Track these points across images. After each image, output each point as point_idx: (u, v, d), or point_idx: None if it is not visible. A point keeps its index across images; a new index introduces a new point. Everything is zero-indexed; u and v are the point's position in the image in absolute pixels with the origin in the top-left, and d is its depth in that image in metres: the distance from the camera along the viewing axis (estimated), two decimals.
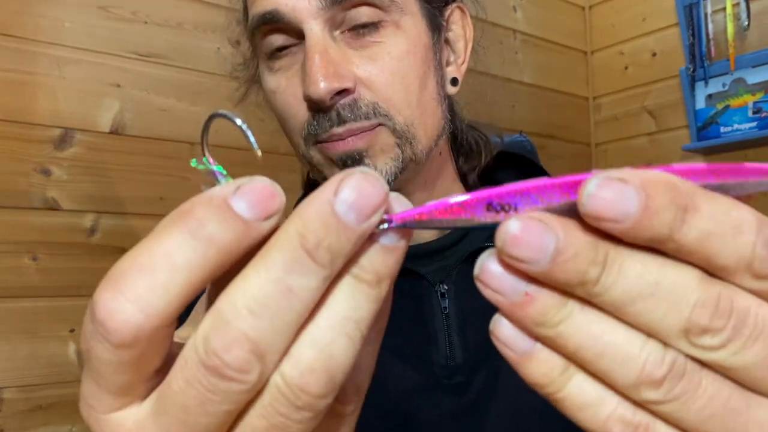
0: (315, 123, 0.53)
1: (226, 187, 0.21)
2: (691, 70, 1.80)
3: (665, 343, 0.20)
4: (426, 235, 0.61)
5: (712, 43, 1.76)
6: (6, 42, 1.15)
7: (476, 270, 0.21)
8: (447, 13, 0.60)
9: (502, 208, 0.21)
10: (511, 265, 0.20)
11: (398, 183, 0.55)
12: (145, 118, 1.29)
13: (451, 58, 0.61)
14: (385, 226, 0.21)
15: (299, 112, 0.54)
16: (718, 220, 0.20)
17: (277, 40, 0.55)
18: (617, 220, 0.19)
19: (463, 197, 0.22)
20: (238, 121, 0.22)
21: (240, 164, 1.40)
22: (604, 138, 2.08)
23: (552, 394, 0.22)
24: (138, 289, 0.19)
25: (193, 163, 0.23)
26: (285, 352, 0.20)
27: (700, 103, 1.80)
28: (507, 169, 0.67)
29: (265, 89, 0.59)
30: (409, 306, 0.57)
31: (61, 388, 1.16)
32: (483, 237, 0.61)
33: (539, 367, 0.21)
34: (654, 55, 1.94)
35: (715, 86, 1.77)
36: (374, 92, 0.53)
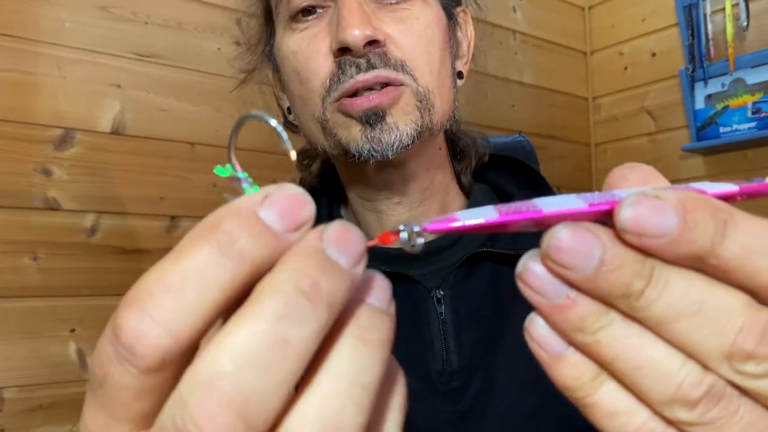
0: (340, 72, 0.54)
1: (253, 196, 0.19)
2: (691, 70, 1.80)
3: (705, 366, 0.20)
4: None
5: (711, 43, 1.77)
6: (6, 42, 1.15)
7: (519, 268, 0.21)
8: (457, 11, 0.63)
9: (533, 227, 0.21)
10: (553, 270, 0.20)
11: (407, 154, 0.55)
12: (145, 119, 1.29)
13: (458, 56, 0.63)
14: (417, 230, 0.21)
15: (322, 67, 0.55)
16: (760, 237, 0.19)
17: (307, 7, 0.56)
18: (658, 235, 0.19)
19: (494, 218, 0.21)
20: (273, 122, 0.21)
21: (240, 164, 1.40)
22: (604, 138, 2.08)
23: (581, 398, 0.21)
24: (166, 309, 0.18)
25: (218, 170, 0.21)
26: (276, 419, 0.18)
27: (700, 104, 1.80)
28: (500, 171, 0.68)
29: (282, 54, 0.59)
30: (405, 311, 0.57)
31: (62, 388, 1.16)
32: (479, 241, 0.61)
33: (570, 370, 0.21)
34: (653, 55, 1.95)
35: (714, 86, 1.77)
36: (402, 51, 0.54)
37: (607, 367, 0.21)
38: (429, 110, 0.55)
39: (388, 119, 0.53)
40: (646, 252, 0.20)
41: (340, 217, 0.65)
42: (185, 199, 1.33)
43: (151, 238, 1.28)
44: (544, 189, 0.63)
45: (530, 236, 0.59)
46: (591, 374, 0.21)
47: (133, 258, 1.25)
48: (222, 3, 1.39)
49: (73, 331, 1.18)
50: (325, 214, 0.66)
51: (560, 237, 0.20)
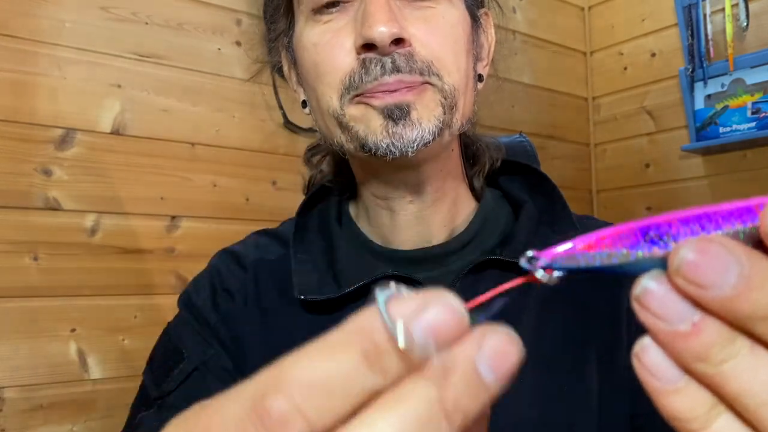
0: (362, 71, 0.52)
1: (407, 310, 0.18)
2: (690, 70, 1.80)
3: None
4: (430, 238, 0.60)
5: (711, 43, 1.77)
6: (7, 42, 1.16)
7: (637, 290, 0.19)
8: (480, 14, 0.62)
9: (660, 239, 0.20)
10: (683, 290, 0.18)
11: (426, 153, 0.54)
12: (145, 119, 1.29)
13: (480, 58, 0.63)
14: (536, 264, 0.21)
15: (343, 63, 0.53)
16: None
17: (330, 1, 0.55)
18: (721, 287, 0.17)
19: (617, 227, 0.20)
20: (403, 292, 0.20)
21: (240, 164, 1.40)
22: (603, 138, 2.08)
23: (693, 430, 0.20)
24: (313, 407, 0.18)
25: (379, 296, 0.20)
26: None
27: (699, 104, 1.80)
28: (510, 176, 0.67)
29: (303, 46, 0.57)
30: None
31: (62, 388, 1.16)
32: (489, 246, 0.60)
33: (685, 401, 0.19)
34: (653, 55, 1.95)
35: (714, 87, 1.77)
36: (429, 50, 0.53)
37: (727, 400, 0.19)
38: (452, 108, 0.54)
39: (413, 114, 0.52)
40: None
41: (348, 214, 0.64)
42: (185, 199, 1.33)
43: (152, 238, 1.28)
44: (555, 196, 0.63)
45: (540, 245, 0.58)
46: (707, 405, 0.19)
47: (134, 258, 1.25)
48: (222, 3, 1.39)
49: (73, 330, 1.18)
50: (334, 211, 0.66)
51: (692, 252, 0.18)
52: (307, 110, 0.62)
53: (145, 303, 1.24)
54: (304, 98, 0.62)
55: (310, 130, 1.44)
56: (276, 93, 1.43)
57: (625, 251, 0.21)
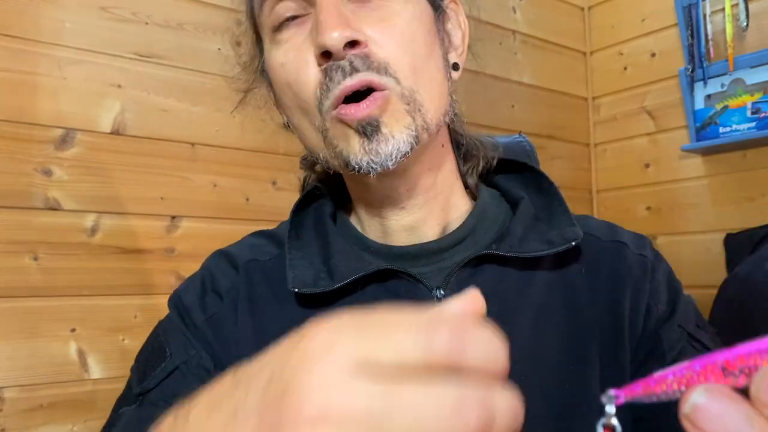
0: (327, 80, 0.53)
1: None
2: (690, 70, 1.80)
3: None
4: (426, 235, 0.61)
5: (711, 43, 1.77)
6: (7, 42, 1.16)
7: (686, 408, 0.21)
8: (446, 2, 0.61)
9: (741, 371, 0.21)
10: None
11: (409, 161, 0.54)
12: (145, 119, 1.29)
13: (451, 48, 0.62)
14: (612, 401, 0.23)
15: (310, 77, 0.54)
16: None
17: (287, 9, 0.55)
18: None
19: (696, 364, 0.22)
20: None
21: (240, 164, 1.40)
22: (603, 138, 2.08)
23: None
24: None
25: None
26: None
27: (699, 104, 1.80)
28: (507, 174, 0.67)
29: (272, 67, 0.58)
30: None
31: (62, 388, 1.16)
32: (485, 242, 0.60)
33: None
34: (653, 55, 1.95)
35: (713, 87, 1.77)
36: (385, 51, 0.53)
37: None
38: (419, 111, 0.54)
39: (383, 129, 0.52)
40: None
41: (343, 219, 0.65)
42: (185, 199, 1.33)
43: (152, 238, 1.28)
44: (552, 193, 0.63)
45: (538, 239, 0.58)
46: None
47: (134, 258, 1.25)
48: (222, 3, 1.39)
49: (73, 330, 1.18)
50: (329, 209, 0.66)
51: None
52: (291, 129, 0.63)
53: (145, 303, 1.25)
54: (285, 120, 0.63)
55: None
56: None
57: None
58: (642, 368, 0.56)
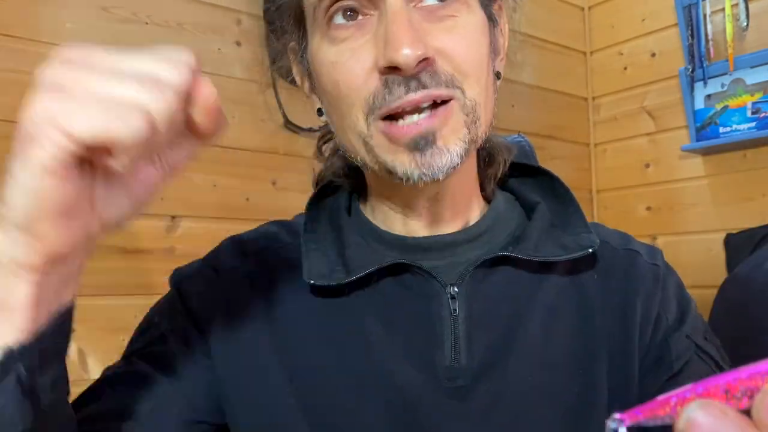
0: (386, 91, 0.51)
1: None
2: (690, 70, 1.80)
3: None
4: (441, 229, 0.60)
5: (711, 43, 1.77)
6: (7, 42, 1.16)
7: (681, 424, 0.22)
8: (494, 9, 0.61)
9: (744, 394, 0.22)
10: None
11: (453, 171, 0.53)
12: None
13: (496, 56, 0.62)
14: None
15: (366, 83, 0.52)
16: None
17: (346, 3, 0.53)
18: None
19: (700, 387, 0.23)
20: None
21: (239, 164, 1.40)
22: (603, 138, 2.08)
23: None
24: None
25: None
26: None
27: (699, 104, 1.81)
28: (520, 178, 0.67)
29: (320, 62, 0.56)
30: (418, 305, 0.57)
31: None
32: (499, 243, 0.60)
33: None
34: (653, 55, 1.95)
35: (714, 87, 1.77)
36: (451, 64, 0.52)
37: None
38: (475, 123, 0.54)
39: (439, 143, 0.52)
40: None
41: (358, 211, 0.64)
42: (185, 198, 1.33)
43: (152, 237, 1.28)
44: (568, 199, 0.63)
45: (552, 245, 0.59)
46: None
47: (134, 258, 1.25)
48: (222, 3, 1.39)
49: (73, 330, 1.18)
50: (344, 203, 0.65)
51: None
52: (323, 118, 0.61)
53: (146, 303, 1.23)
54: (320, 106, 0.61)
55: (310, 130, 1.44)
56: (276, 93, 1.43)
57: None
58: (649, 375, 0.56)
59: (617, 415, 0.26)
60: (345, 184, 0.66)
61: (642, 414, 0.25)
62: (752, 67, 1.70)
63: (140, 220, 1.27)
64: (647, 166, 1.96)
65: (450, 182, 0.57)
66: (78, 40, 1.21)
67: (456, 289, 0.56)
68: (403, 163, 0.52)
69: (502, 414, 0.54)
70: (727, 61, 1.73)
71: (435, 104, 0.52)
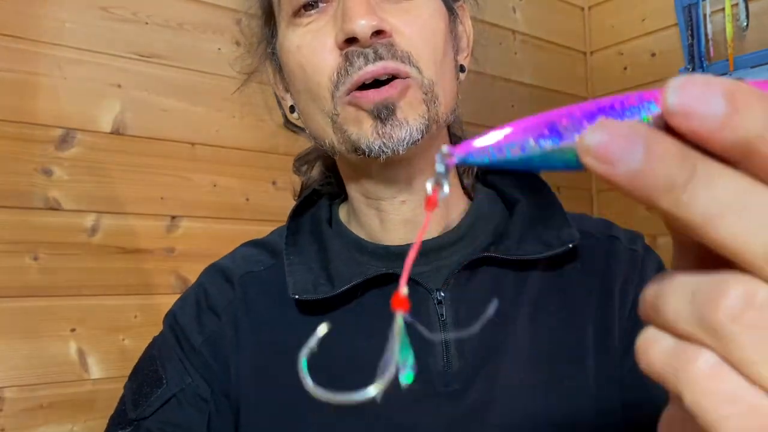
0: (347, 64, 0.53)
1: None
2: (690, 70, 1.80)
3: (747, 270, 0.19)
4: (426, 233, 0.61)
5: (711, 43, 1.77)
6: (7, 42, 1.16)
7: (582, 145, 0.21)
8: (457, 6, 0.63)
9: (566, 129, 0.21)
10: (593, 168, 0.20)
11: (415, 149, 0.55)
12: (145, 119, 1.29)
13: (458, 50, 0.63)
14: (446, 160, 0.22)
15: (327, 61, 0.55)
16: None
17: (308, 2, 0.56)
18: (706, 116, 0.18)
19: (525, 120, 0.22)
20: None
21: (240, 164, 1.40)
22: None
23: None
24: None
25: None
26: None
27: None
28: (501, 174, 0.67)
29: (286, 50, 0.58)
30: (406, 314, 0.57)
31: (62, 388, 1.16)
32: (482, 242, 0.60)
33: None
34: (653, 55, 1.95)
35: None
36: (408, 42, 0.54)
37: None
38: (434, 102, 0.55)
39: (398, 114, 0.53)
40: (690, 144, 0.19)
41: (338, 216, 0.65)
42: (185, 199, 1.33)
43: (152, 238, 1.28)
44: (547, 194, 0.63)
45: (535, 242, 0.59)
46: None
47: (134, 258, 1.25)
48: (222, 3, 1.39)
49: (73, 330, 1.18)
50: (325, 214, 0.66)
51: (598, 135, 0.20)
52: (295, 115, 0.63)
53: (145, 303, 1.24)
54: (292, 103, 0.63)
55: None
56: (276, 93, 1.43)
57: (532, 143, 0.21)
58: (626, 356, 0.57)
59: (446, 148, 0.23)
60: (325, 190, 0.67)
61: (476, 146, 0.22)
62: (752, 67, 1.70)
63: (140, 220, 1.27)
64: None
65: (419, 167, 0.58)
66: (77, 39, 1.22)
67: (442, 294, 0.57)
68: (366, 134, 0.54)
69: (497, 414, 0.54)
70: (727, 61, 1.73)
71: (393, 78, 0.54)
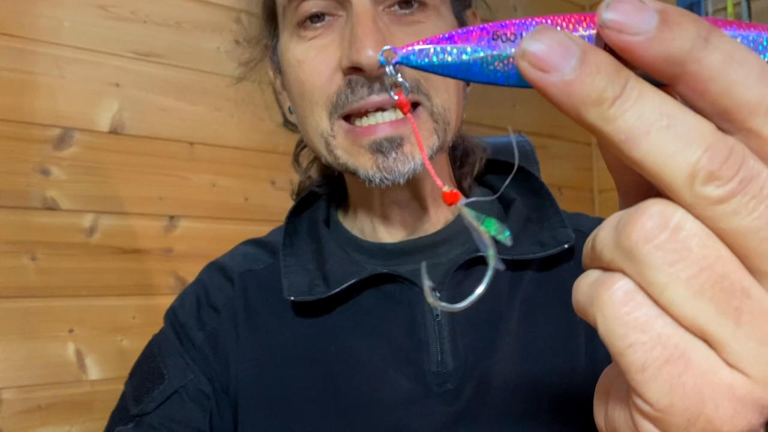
0: (349, 91, 0.52)
1: None
2: None
3: (667, 189, 0.19)
4: (422, 230, 0.60)
5: None
6: (5, 41, 1.15)
7: (519, 52, 0.21)
8: (467, 15, 0.62)
9: (508, 39, 0.22)
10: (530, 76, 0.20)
11: (414, 176, 0.54)
12: (144, 118, 1.29)
13: None
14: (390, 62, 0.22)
15: (329, 82, 0.53)
16: (741, 49, 0.19)
17: (315, 6, 0.53)
18: (638, 31, 0.19)
19: (469, 28, 0.22)
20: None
21: (239, 164, 1.40)
22: None
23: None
24: None
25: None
26: None
27: None
28: (499, 175, 0.67)
29: (287, 60, 0.57)
30: (401, 313, 0.57)
31: (60, 389, 1.15)
32: (476, 245, 0.60)
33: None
34: None
35: None
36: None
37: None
38: (445, 129, 0.54)
39: (406, 148, 0.51)
40: (623, 61, 0.20)
41: (335, 216, 0.65)
42: (184, 198, 1.32)
43: (150, 238, 1.27)
44: (544, 194, 0.63)
45: (529, 242, 0.60)
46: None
47: (132, 258, 1.25)
48: (222, 2, 1.38)
49: (71, 331, 1.17)
50: (322, 214, 0.66)
51: (537, 42, 0.20)
52: (293, 117, 0.63)
53: (144, 303, 1.24)
54: (289, 105, 0.62)
55: None
56: (275, 92, 1.42)
57: (473, 47, 0.22)
58: None
59: (388, 47, 0.23)
60: (324, 193, 0.66)
61: (419, 44, 0.22)
62: None
63: (138, 220, 1.26)
64: None
65: (420, 186, 0.58)
66: (76, 38, 1.21)
67: (437, 294, 0.56)
68: (364, 166, 0.52)
69: (492, 412, 0.54)
70: None
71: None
